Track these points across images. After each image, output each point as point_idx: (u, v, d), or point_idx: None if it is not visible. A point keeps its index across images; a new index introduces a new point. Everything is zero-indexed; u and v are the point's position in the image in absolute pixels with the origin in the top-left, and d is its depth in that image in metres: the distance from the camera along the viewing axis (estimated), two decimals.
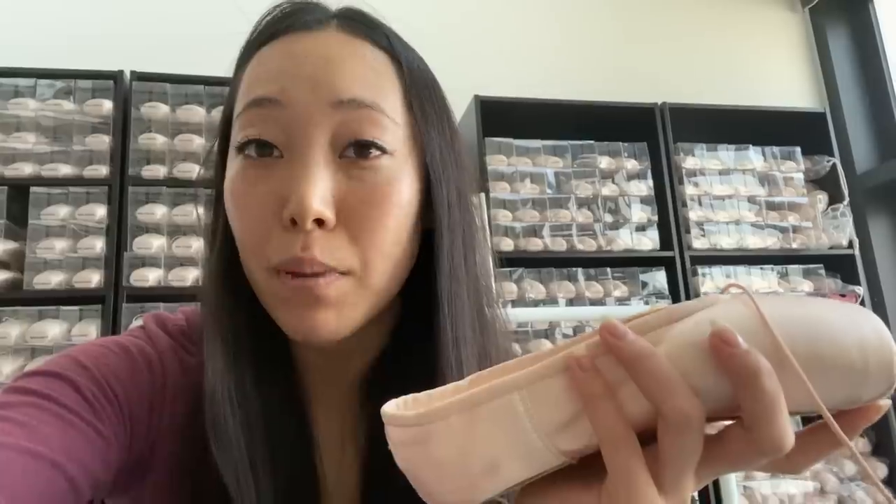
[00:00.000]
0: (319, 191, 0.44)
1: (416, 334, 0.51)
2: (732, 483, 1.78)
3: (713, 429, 0.33)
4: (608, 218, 2.34)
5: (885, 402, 0.33)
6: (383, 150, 0.46)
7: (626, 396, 0.31)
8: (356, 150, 0.46)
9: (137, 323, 0.56)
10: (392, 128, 0.47)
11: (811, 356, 0.31)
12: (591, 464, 0.33)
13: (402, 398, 0.36)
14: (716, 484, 1.95)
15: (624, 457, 0.31)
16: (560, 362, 0.32)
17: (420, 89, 0.51)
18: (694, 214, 2.39)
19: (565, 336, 2.21)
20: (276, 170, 0.46)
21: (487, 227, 2.10)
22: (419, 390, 0.37)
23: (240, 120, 0.48)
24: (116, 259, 1.89)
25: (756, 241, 2.43)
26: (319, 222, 0.44)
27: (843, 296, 2.46)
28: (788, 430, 0.30)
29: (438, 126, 0.51)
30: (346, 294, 0.46)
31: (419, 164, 0.50)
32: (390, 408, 0.34)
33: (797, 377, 0.30)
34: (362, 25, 0.50)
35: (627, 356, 0.31)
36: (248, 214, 0.47)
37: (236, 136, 0.48)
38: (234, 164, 0.48)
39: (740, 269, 2.41)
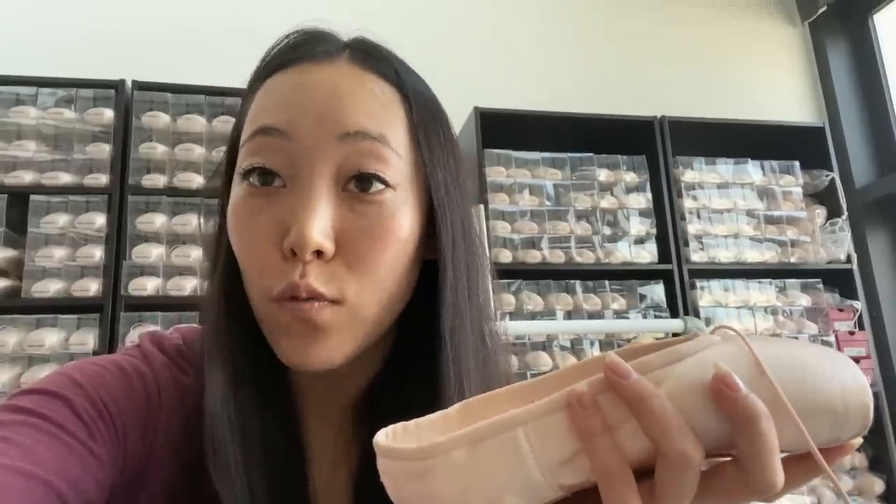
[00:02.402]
0: (320, 223, 0.44)
1: (412, 360, 0.51)
2: None
3: (707, 464, 0.33)
4: (607, 230, 2.34)
5: (858, 441, 0.36)
6: (386, 184, 0.47)
7: (625, 434, 0.32)
8: (359, 184, 0.47)
9: (133, 341, 0.56)
10: (396, 161, 0.48)
11: (800, 399, 0.33)
12: (583, 494, 0.33)
13: (391, 427, 0.36)
14: None
15: (620, 493, 0.31)
16: (563, 398, 0.32)
17: (427, 122, 0.51)
18: (692, 228, 2.40)
19: (563, 348, 2.21)
20: (279, 199, 0.46)
21: (486, 239, 2.12)
22: (415, 415, 0.37)
23: (246, 147, 0.48)
24: (115, 268, 1.89)
25: (754, 255, 2.43)
26: (318, 253, 0.45)
27: (840, 310, 2.46)
28: (781, 471, 0.32)
29: (443, 158, 0.52)
30: (339, 323, 0.46)
31: (422, 196, 0.50)
32: (382, 439, 0.34)
33: (790, 419, 0.32)
34: (372, 58, 0.51)
35: (632, 396, 0.31)
36: (250, 243, 0.47)
37: (242, 163, 0.48)
38: (237, 189, 0.49)
39: (738, 282, 2.41)
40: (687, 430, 0.31)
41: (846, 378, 0.34)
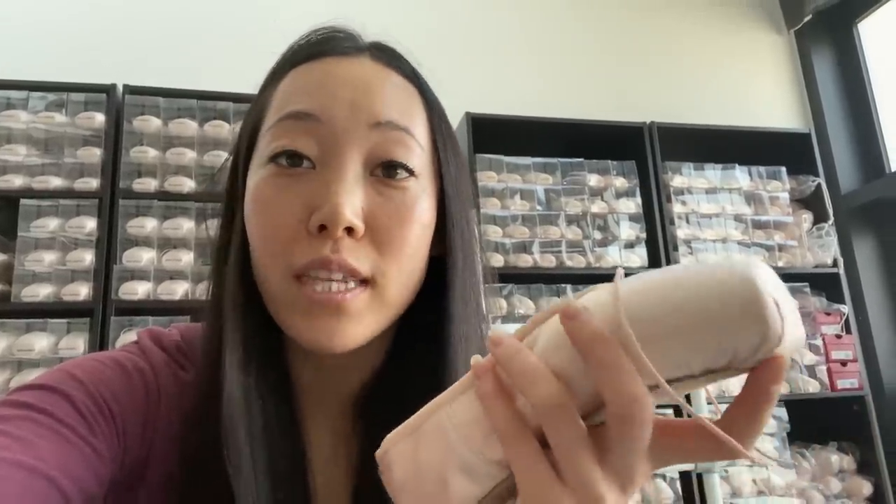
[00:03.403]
0: (353, 201, 0.46)
1: (412, 355, 0.52)
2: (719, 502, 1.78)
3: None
4: (597, 235, 2.36)
5: (781, 352, 0.30)
6: (411, 173, 0.49)
7: (522, 400, 0.32)
8: (385, 171, 0.49)
9: (132, 338, 0.56)
10: (419, 152, 0.50)
11: (670, 319, 0.29)
12: None
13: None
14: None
15: (522, 454, 0.31)
16: (471, 376, 0.34)
17: (440, 121, 0.54)
18: (681, 232, 2.42)
19: None
20: (307, 179, 0.48)
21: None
22: (413, 411, 0.37)
23: (271, 132, 0.49)
24: (106, 272, 1.88)
25: None
26: (348, 231, 0.46)
27: (828, 314, 2.48)
28: (639, 395, 0.29)
29: (454, 155, 0.55)
30: (365, 305, 0.47)
31: (437, 189, 0.53)
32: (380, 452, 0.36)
33: (657, 346, 0.29)
34: (392, 57, 0.54)
35: (502, 360, 0.32)
36: (273, 219, 0.48)
37: (267, 147, 0.49)
38: (260, 172, 0.50)
39: None
40: (547, 377, 0.31)
41: (722, 276, 0.29)
